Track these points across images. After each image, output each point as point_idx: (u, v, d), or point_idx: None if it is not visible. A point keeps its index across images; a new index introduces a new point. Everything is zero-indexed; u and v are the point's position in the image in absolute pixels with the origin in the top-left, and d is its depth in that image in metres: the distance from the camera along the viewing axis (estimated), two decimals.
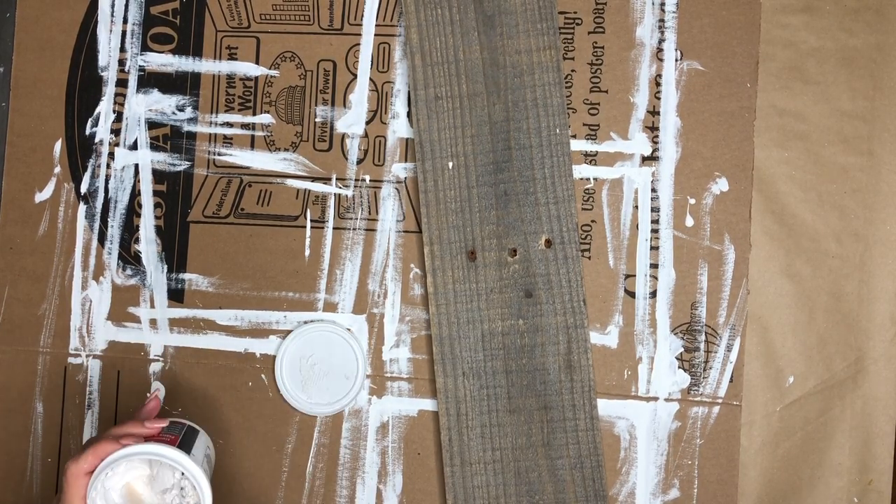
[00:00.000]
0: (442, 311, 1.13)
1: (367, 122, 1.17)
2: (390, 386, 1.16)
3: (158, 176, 1.19)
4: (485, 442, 1.12)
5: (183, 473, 0.97)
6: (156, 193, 1.19)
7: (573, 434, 1.11)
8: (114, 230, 1.19)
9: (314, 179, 1.17)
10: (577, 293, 1.12)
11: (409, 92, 1.16)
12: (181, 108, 1.19)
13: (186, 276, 1.17)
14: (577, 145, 1.15)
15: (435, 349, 1.13)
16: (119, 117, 1.19)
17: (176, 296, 1.18)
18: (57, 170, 1.20)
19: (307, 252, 1.17)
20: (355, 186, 1.17)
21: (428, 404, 1.15)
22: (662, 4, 1.15)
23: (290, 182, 1.18)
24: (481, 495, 1.12)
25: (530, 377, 1.12)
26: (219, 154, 1.18)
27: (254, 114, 1.18)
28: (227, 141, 1.18)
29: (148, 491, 0.98)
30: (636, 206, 1.14)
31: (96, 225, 1.19)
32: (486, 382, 1.12)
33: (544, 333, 1.12)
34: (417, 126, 1.14)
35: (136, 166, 1.19)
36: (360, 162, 1.17)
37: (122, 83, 1.20)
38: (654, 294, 1.14)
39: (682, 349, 1.13)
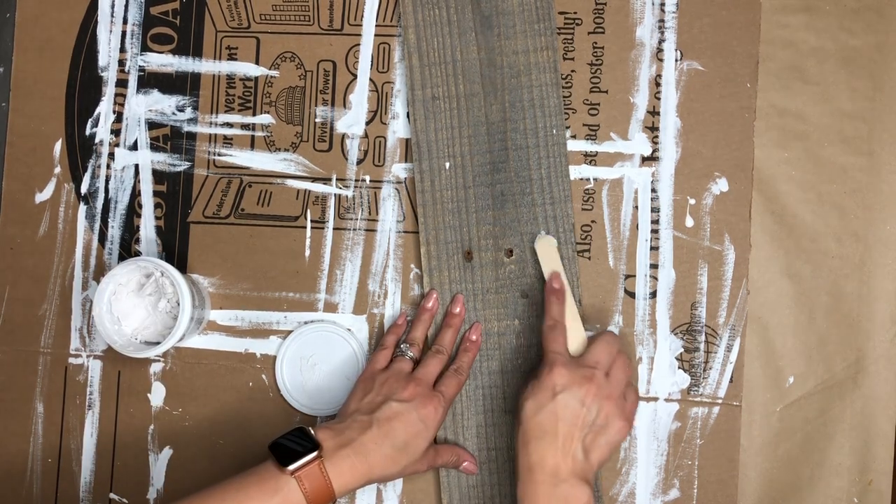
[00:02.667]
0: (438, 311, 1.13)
1: (367, 123, 1.17)
2: None
3: (158, 176, 1.19)
4: (480, 442, 1.12)
5: (162, 273, 1.11)
6: (156, 194, 1.19)
7: None
8: (114, 231, 1.19)
9: (314, 180, 1.17)
10: (574, 294, 1.12)
11: (406, 92, 1.16)
12: (181, 109, 1.19)
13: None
14: (577, 145, 1.15)
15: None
16: (119, 117, 1.19)
17: None
18: (57, 170, 1.20)
19: (307, 252, 1.17)
20: (355, 187, 1.17)
21: None
22: (662, 4, 1.14)
23: (291, 182, 1.18)
24: (476, 495, 1.11)
25: (526, 378, 1.11)
26: (219, 154, 1.18)
27: (254, 114, 1.18)
28: (227, 141, 1.18)
29: (137, 298, 1.13)
30: (636, 207, 1.14)
31: (96, 225, 1.19)
32: (482, 382, 1.12)
33: (540, 334, 1.12)
34: (414, 126, 1.14)
35: (137, 167, 1.19)
36: (360, 162, 1.17)
37: (122, 83, 1.20)
38: (653, 294, 1.14)
39: (682, 349, 1.13)
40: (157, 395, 1.18)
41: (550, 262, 1.11)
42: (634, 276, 1.14)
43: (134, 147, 1.19)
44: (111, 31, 1.20)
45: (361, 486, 1.00)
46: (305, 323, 1.17)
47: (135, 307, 1.12)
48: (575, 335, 1.08)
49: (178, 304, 1.11)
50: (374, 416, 1.01)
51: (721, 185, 1.13)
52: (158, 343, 1.10)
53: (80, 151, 1.20)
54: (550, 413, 0.98)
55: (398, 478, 1.07)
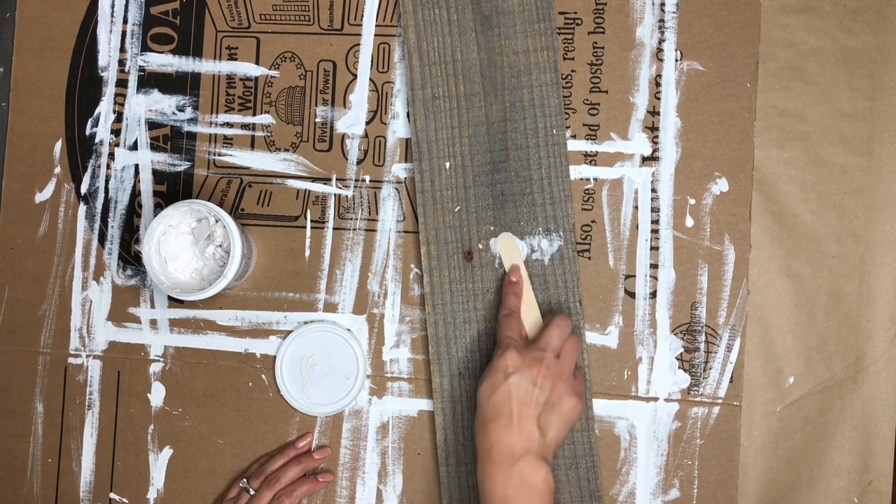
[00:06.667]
0: (438, 311, 1.13)
1: (367, 123, 1.17)
2: (390, 386, 1.16)
3: (158, 176, 1.19)
4: None
5: (217, 220, 1.12)
6: (156, 194, 1.19)
7: (568, 434, 1.11)
8: (114, 230, 1.19)
9: (314, 180, 1.17)
10: (573, 294, 1.12)
11: (406, 92, 1.16)
12: (181, 109, 1.19)
13: None
14: (577, 145, 1.15)
15: (431, 349, 1.13)
16: (119, 117, 1.20)
17: None
18: (57, 170, 1.20)
19: (307, 252, 1.17)
20: (355, 187, 1.17)
21: (428, 404, 1.15)
22: (662, 4, 1.14)
23: (291, 182, 1.18)
24: (476, 495, 1.11)
25: None
26: (219, 154, 1.18)
27: (254, 114, 1.18)
28: (228, 141, 1.18)
29: (187, 240, 1.14)
30: (636, 207, 1.14)
31: (96, 225, 1.19)
32: None
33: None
34: (415, 126, 1.14)
35: (137, 167, 1.19)
36: (360, 162, 1.17)
37: (122, 83, 1.20)
38: (654, 294, 1.13)
39: (682, 349, 1.13)
40: (157, 395, 1.18)
41: (511, 257, 1.12)
42: (634, 276, 1.14)
43: (134, 147, 1.19)
44: (111, 31, 1.20)
45: None
46: (305, 323, 1.17)
47: (182, 250, 1.13)
48: (532, 323, 1.09)
49: (227, 252, 1.12)
50: None
51: (721, 185, 1.13)
52: (203, 289, 1.09)
53: (80, 151, 1.20)
54: (504, 394, 0.99)
55: None
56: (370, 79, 1.18)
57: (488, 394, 1.00)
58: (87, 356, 1.19)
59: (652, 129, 1.14)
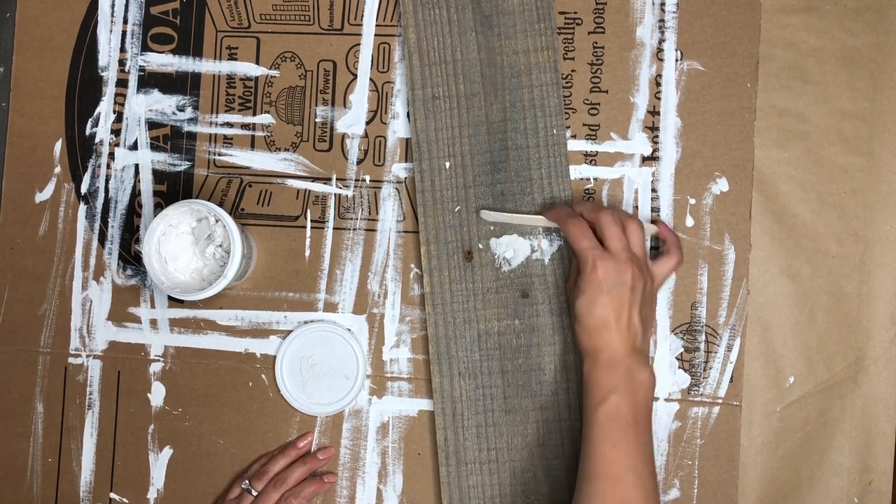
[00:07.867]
0: (438, 311, 1.13)
1: (368, 123, 1.17)
2: (390, 386, 1.16)
3: (159, 176, 1.19)
4: (480, 442, 1.12)
5: (217, 220, 1.12)
6: (156, 194, 1.19)
7: (568, 434, 1.11)
8: (114, 230, 1.19)
9: (314, 179, 1.17)
10: None
11: (406, 91, 1.16)
12: (181, 109, 1.19)
13: None
14: (578, 145, 1.15)
15: (431, 349, 1.13)
16: (119, 117, 1.20)
17: None
18: (57, 170, 1.20)
19: (307, 252, 1.17)
20: (355, 186, 1.17)
21: (428, 404, 1.15)
22: (662, 4, 1.14)
23: (291, 182, 1.18)
24: (477, 495, 1.11)
25: (526, 377, 1.11)
26: (219, 154, 1.18)
27: (254, 114, 1.18)
28: (228, 141, 1.18)
29: (187, 240, 1.14)
30: (636, 207, 1.14)
31: (96, 225, 1.19)
32: (482, 382, 1.12)
33: (540, 334, 1.11)
34: (415, 126, 1.14)
35: (137, 166, 1.19)
36: (360, 162, 1.17)
37: (122, 83, 1.20)
38: None
39: (683, 349, 1.13)
40: (157, 395, 1.18)
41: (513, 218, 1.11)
42: None
43: (134, 147, 1.19)
44: (111, 31, 1.20)
45: None
46: (305, 323, 1.17)
47: (183, 250, 1.13)
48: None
49: (227, 252, 1.12)
50: None
51: (721, 185, 1.13)
52: (203, 289, 1.09)
53: (80, 151, 1.20)
54: (605, 305, 1.02)
55: None
56: (370, 79, 1.18)
57: (589, 308, 1.02)
58: (87, 356, 1.19)
59: (652, 129, 1.14)
